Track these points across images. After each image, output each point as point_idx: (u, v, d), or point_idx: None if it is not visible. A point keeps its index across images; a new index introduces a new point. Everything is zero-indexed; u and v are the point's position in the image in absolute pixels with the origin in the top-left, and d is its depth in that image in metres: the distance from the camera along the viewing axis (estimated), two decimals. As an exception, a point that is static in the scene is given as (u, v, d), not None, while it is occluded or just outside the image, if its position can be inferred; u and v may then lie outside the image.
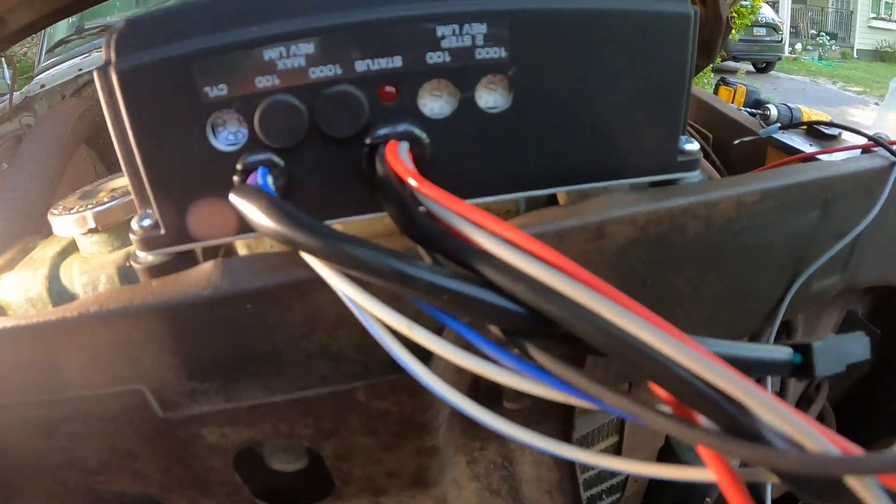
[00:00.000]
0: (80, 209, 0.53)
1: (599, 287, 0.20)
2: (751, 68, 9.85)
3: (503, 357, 0.22)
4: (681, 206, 0.41)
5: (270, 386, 0.36)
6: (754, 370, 0.25)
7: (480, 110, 0.33)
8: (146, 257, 0.35)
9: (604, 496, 0.64)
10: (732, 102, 1.65)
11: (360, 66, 0.29)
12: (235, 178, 0.31)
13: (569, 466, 0.50)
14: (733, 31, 1.43)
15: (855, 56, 13.83)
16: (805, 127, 1.06)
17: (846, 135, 0.90)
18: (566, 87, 0.34)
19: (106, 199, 0.54)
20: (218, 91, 0.29)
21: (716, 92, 1.63)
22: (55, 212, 0.56)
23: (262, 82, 0.29)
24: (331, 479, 0.44)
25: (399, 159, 0.29)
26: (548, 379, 0.21)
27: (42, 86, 1.65)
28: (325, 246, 0.23)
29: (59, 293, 0.56)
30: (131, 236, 0.35)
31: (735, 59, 9.22)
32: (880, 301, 0.80)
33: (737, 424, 0.18)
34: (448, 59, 0.30)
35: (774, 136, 1.01)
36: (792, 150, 0.96)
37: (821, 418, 0.97)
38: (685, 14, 0.34)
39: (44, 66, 1.82)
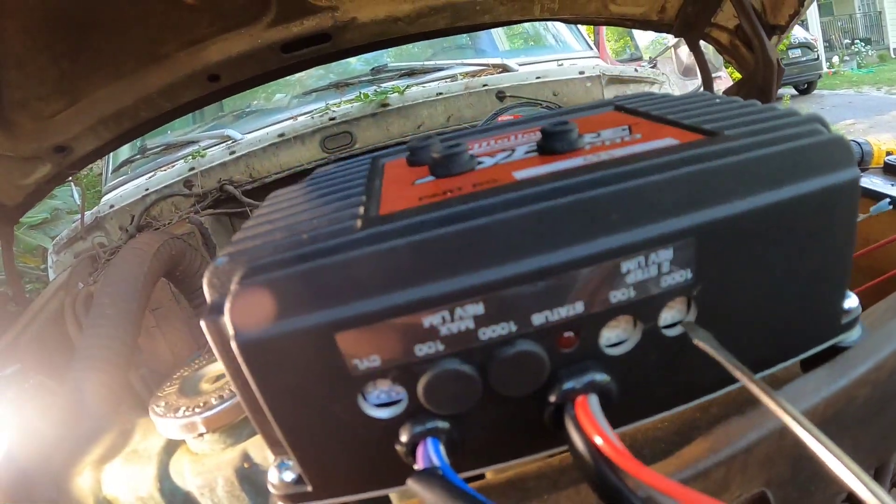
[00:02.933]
0: (188, 413, 0.50)
1: None
2: (794, 92, 9.68)
3: None
4: (851, 381, 0.35)
5: None
6: None
7: (663, 336, 0.27)
8: None
9: None
10: None
11: (538, 319, 0.25)
12: (399, 448, 0.26)
13: None
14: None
15: (893, 56, 13.33)
16: (882, 165, 1.02)
17: None
18: (746, 288, 0.29)
19: (214, 402, 0.51)
20: (370, 363, 0.25)
21: None
22: (158, 410, 0.53)
23: (424, 350, 0.25)
24: None
25: (596, 423, 0.24)
26: None
27: (111, 206, 1.72)
28: None
29: (171, 492, 0.54)
30: (270, 487, 0.31)
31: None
32: None
33: None
34: (633, 294, 0.26)
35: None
36: (877, 195, 0.89)
37: None
38: (855, 179, 0.30)
39: (111, 186, 1.90)
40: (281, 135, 1.74)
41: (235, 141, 1.78)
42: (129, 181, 1.83)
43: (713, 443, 0.32)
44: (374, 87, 1.86)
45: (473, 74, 1.93)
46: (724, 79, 2.32)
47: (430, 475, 0.23)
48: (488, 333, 0.25)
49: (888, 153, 1.26)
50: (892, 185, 0.95)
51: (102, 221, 1.68)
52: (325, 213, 0.31)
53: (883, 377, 0.40)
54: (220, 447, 0.53)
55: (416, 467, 0.25)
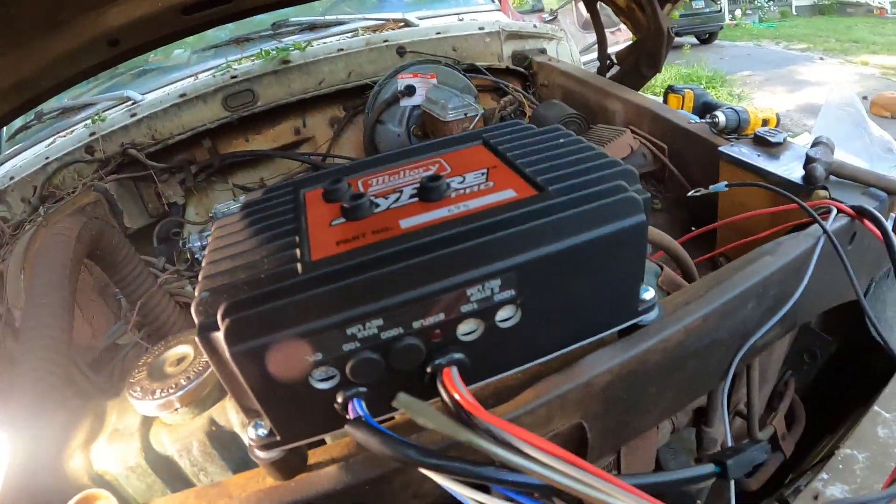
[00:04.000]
0: (164, 394, 0.65)
1: (570, 459, 0.35)
2: (695, 41, 10.18)
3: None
4: (641, 350, 0.57)
5: None
6: (693, 482, 0.43)
7: (499, 327, 0.46)
8: (267, 455, 0.48)
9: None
10: (682, 108, 1.81)
11: (416, 324, 0.43)
12: (336, 406, 0.43)
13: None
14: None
15: (794, 13, 14.20)
16: (752, 136, 1.21)
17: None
18: (559, 296, 0.48)
19: (184, 382, 0.66)
20: (315, 356, 0.41)
21: (665, 100, 1.78)
22: (136, 395, 0.67)
23: (348, 347, 0.42)
24: None
25: (454, 384, 0.42)
26: None
27: (11, 178, 1.68)
28: (428, 464, 0.37)
29: (154, 459, 0.69)
30: (248, 440, 0.48)
31: (678, 34, 9.62)
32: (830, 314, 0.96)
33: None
34: (475, 306, 0.44)
35: (724, 150, 1.17)
36: (741, 163, 1.12)
37: (792, 410, 1.16)
38: (640, 223, 0.48)
39: (6, 156, 1.84)
40: (182, 95, 1.76)
41: (136, 102, 1.78)
42: (26, 149, 1.80)
43: (537, 391, 0.52)
44: (276, 44, 1.91)
45: (375, 29, 2.02)
46: (624, 31, 2.51)
47: (357, 422, 0.41)
48: (386, 335, 0.42)
49: (764, 121, 1.49)
50: (759, 155, 1.17)
51: (3, 194, 1.65)
52: (271, 251, 0.46)
53: (671, 346, 0.61)
54: (190, 417, 0.68)
55: (348, 417, 0.42)
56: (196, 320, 0.43)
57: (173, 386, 0.66)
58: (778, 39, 10.40)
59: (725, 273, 0.72)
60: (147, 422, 0.71)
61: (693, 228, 1.17)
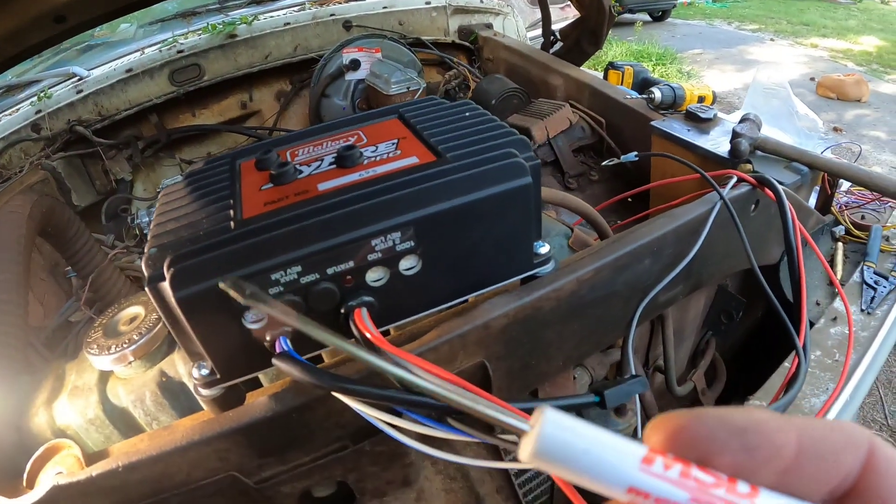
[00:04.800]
0: (118, 348, 0.74)
1: (461, 384, 0.45)
2: (647, 18, 10.30)
3: (426, 421, 0.49)
4: (535, 297, 0.68)
5: (310, 452, 0.60)
6: (573, 408, 0.53)
7: (403, 275, 0.56)
8: (209, 392, 0.58)
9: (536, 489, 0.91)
10: (621, 84, 1.93)
11: (330, 270, 0.52)
12: (266, 343, 0.53)
13: (494, 455, 0.77)
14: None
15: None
16: (684, 112, 1.33)
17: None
18: (455, 248, 0.58)
19: (136, 337, 0.75)
20: (246, 299, 0.50)
21: (606, 76, 1.90)
22: (93, 351, 0.76)
23: (273, 290, 0.51)
24: (353, 494, 0.72)
25: (363, 322, 0.52)
26: (448, 429, 0.47)
27: None
28: (337, 387, 0.48)
29: (111, 411, 0.78)
30: (193, 380, 0.58)
31: (631, 11, 9.70)
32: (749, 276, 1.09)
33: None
34: (380, 255, 0.54)
35: (655, 125, 1.29)
36: (670, 137, 1.24)
37: (713, 368, 1.29)
38: (525, 185, 0.59)
39: None
40: (129, 70, 1.80)
41: (82, 78, 1.81)
42: None
43: (440, 331, 0.63)
44: (222, 17, 1.95)
45: (321, 2, 2.07)
46: (571, 7, 2.61)
47: (283, 355, 0.51)
48: (305, 279, 0.52)
49: (700, 98, 1.61)
50: (689, 130, 1.28)
51: None
52: (210, 213, 0.55)
53: (564, 294, 0.72)
54: (142, 370, 0.77)
55: (276, 353, 0.52)
56: (145, 273, 0.52)
57: (126, 341, 0.74)
58: (730, 19, 10.57)
59: (627, 233, 0.84)
60: (104, 377, 0.79)
61: (630, 200, 1.30)
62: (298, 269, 0.51)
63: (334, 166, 0.60)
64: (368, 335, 0.51)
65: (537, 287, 0.69)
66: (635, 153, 1.11)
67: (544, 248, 0.68)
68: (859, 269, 1.23)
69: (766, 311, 1.34)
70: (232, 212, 0.54)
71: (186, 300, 0.50)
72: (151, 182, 1.95)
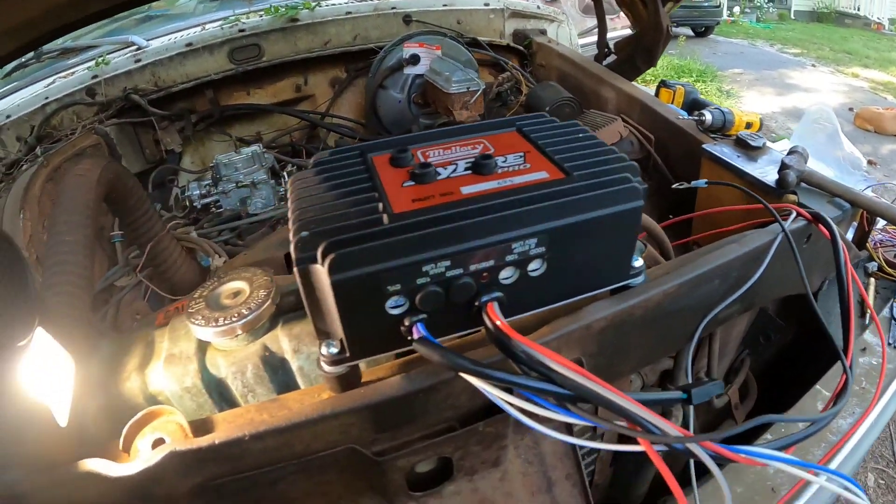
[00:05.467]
0: (227, 321, 0.77)
1: (585, 374, 0.51)
2: (690, 33, 10.36)
3: (552, 407, 0.53)
4: (630, 304, 0.74)
5: (420, 430, 0.66)
6: (663, 403, 0.60)
7: (529, 275, 0.61)
8: (334, 369, 0.62)
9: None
10: (672, 103, 1.97)
11: (473, 267, 0.57)
12: (402, 328, 0.57)
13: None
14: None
15: (792, 17, 14.38)
16: (734, 137, 1.36)
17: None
18: (574, 255, 0.63)
19: (245, 312, 0.78)
20: (394, 287, 0.55)
21: (657, 93, 1.94)
22: (198, 322, 0.78)
23: (421, 280, 0.56)
24: (451, 470, 0.76)
25: (496, 315, 0.57)
26: (569, 414, 0.52)
27: (7, 116, 1.72)
28: (474, 370, 0.52)
29: (208, 380, 0.81)
30: (322, 357, 0.61)
31: (675, 25, 9.68)
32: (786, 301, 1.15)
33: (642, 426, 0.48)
34: (516, 256, 0.58)
35: (707, 148, 1.33)
36: (721, 162, 1.28)
37: (746, 385, 1.35)
38: (637, 207, 0.64)
39: (2, 93, 1.87)
40: (189, 44, 1.83)
41: (140, 48, 1.84)
42: (22, 88, 1.83)
43: (552, 328, 0.68)
44: (285, 0, 1.99)
45: (384, -6, 2.12)
46: (623, 17, 2.65)
47: (423, 340, 0.55)
48: (450, 273, 0.56)
49: (748, 124, 1.64)
50: (738, 156, 1.32)
51: None
52: (357, 203, 0.60)
53: (652, 304, 0.77)
54: (244, 344, 0.80)
55: (412, 338, 0.57)
56: (295, 255, 0.55)
57: (236, 315, 0.77)
58: (773, 41, 10.55)
59: (698, 254, 0.89)
60: (202, 347, 0.82)
61: (671, 216, 1.34)
62: (447, 263, 0.56)
63: (470, 172, 0.64)
64: (500, 323, 0.56)
65: (633, 295, 0.74)
66: (706, 180, 1.16)
67: (638, 262, 0.73)
68: (889, 305, 1.29)
69: (797, 335, 1.40)
70: (381, 205, 0.59)
71: (341, 284, 0.53)
72: (199, 156, 1.99)
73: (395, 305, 0.57)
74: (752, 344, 1.33)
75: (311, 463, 0.65)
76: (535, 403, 0.56)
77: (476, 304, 0.59)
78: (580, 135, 0.74)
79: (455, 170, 0.65)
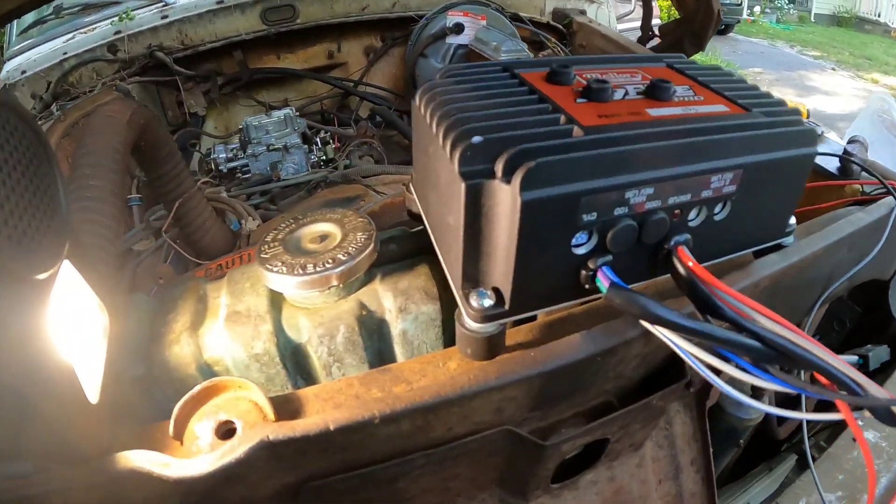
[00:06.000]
0: (319, 268, 0.60)
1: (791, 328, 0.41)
2: None
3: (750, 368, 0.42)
4: (789, 264, 0.63)
5: (573, 406, 0.52)
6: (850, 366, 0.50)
7: (713, 219, 0.49)
8: (485, 328, 0.47)
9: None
10: None
11: (671, 200, 0.45)
12: (584, 273, 0.45)
13: (699, 422, 0.70)
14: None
15: (812, 20, 14.02)
16: None
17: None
18: (756, 201, 0.51)
19: (343, 257, 0.61)
20: (589, 217, 0.43)
21: None
22: (276, 269, 0.61)
23: (618, 211, 0.43)
24: (597, 455, 0.63)
25: (688, 257, 0.45)
26: (773, 380, 0.41)
27: (23, 72, 1.57)
28: (677, 324, 0.40)
29: (285, 346, 0.63)
30: (469, 311, 0.47)
31: None
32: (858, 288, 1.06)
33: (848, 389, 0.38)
34: (710, 194, 0.47)
35: None
36: None
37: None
38: (813, 153, 0.53)
39: (17, 50, 1.71)
40: (220, 1, 1.68)
41: (167, 4, 1.68)
42: (41, 44, 1.67)
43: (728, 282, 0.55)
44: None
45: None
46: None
47: (617, 287, 0.43)
48: (649, 205, 0.44)
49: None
50: None
51: (12, 88, 1.54)
52: (530, 112, 0.47)
53: (804, 265, 0.67)
54: (333, 300, 0.63)
55: (603, 285, 0.44)
56: (460, 167, 0.42)
57: (330, 261, 0.61)
58: (793, 43, 10.31)
59: (817, 223, 0.79)
60: (277, 304, 0.64)
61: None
62: (650, 191, 0.43)
63: (643, 97, 0.52)
64: (695, 268, 0.44)
65: (793, 254, 0.63)
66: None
67: (793, 220, 0.62)
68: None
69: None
70: (562, 118, 0.46)
71: (531, 207, 0.40)
72: (224, 121, 1.83)
73: (579, 243, 0.44)
74: (826, 331, 1.24)
75: (452, 452, 0.51)
76: (741, 368, 0.44)
77: (665, 246, 0.47)
78: (733, 75, 0.62)
79: (626, 94, 0.52)
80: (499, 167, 0.41)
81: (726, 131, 0.47)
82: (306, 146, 1.58)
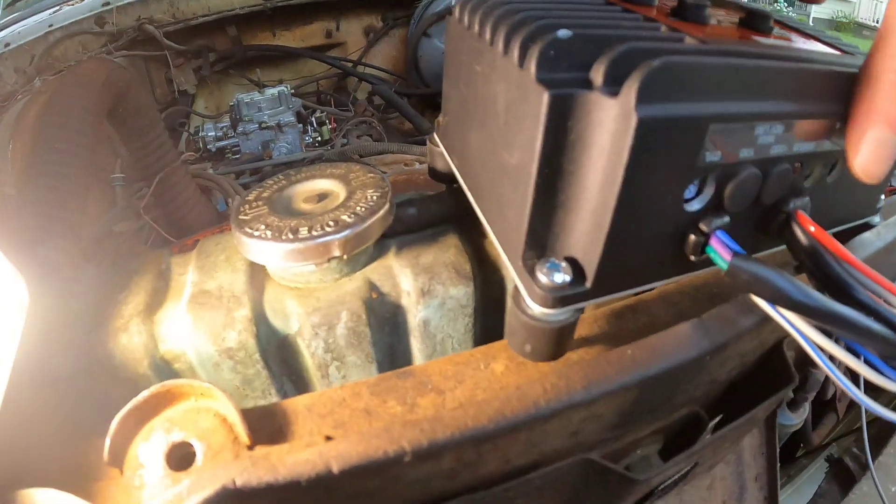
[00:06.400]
0: (317, 231, 0.44)
1: None
2: None
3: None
4: (885, 245, 0.52)
5: (654, 422, 0.40)
6: None
7: (825, 182, 0.38)
8: (556, 315, 0.32)
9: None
10: None
11: (796, 147, 0.33)
12: (692, 237, 0.32)
13: (768, 434, 0.58)
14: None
15: (811, 24, 14.17)
16: None
17: None
18: None
19: (349, 219, 0.45)
20: (713, 156, 0.30)
21: None
22: (258, 233, 0.45)
23: (744, 154, 0.31)
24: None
25: (813, 224, 0.33)
26: None
27: (6, 45, 1.43)
28: (835, 315, 0.29)
29: (268, 338, 0.47)
30: (533, 292, 0.32)
31: None
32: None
33: None
34: (831, 146, 0.35)
35: None
36: None
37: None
38: None
39: (4, 23, 1.59)
40: (213, -28, 1.54)
41: (158, -26, 1.54)
42: (26, 17, 1.52)
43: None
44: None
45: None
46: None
47: (744, 259, 0.30)
48: (776, 150, 0.32)
49: None
50: None
51: None
52: (618, 18, 0.35)
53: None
54: (334, 277, 0.48)
55: (720, 256, 0.31)
56: (538, 71, 0.29)
57: (331, 223, 0.44)
58: None
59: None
60: (257, 282, 0.48)
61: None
62: (779, 130, 0.31)
63: (741, 26, 0.40)
64: (819, 236, 0.32)
65: (887, 233, 0.53)
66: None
67: (883, 197, 0.52)
68: None
69: None
70: (663, 27, 0.34)
71: (650, 127, 0.26)
72: (214, 100, 1.69)
73: (691, 196, 0.32)
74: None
75: (506, 494, 0.36)
76: (874, 367, 0.32)
77: (783, 209, 0.35)
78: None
79: (721, 21, 0.41)
80: (597, 73, 0.28)
81: (854, 68, 0.36)
82: (301, 125, 1.45)
